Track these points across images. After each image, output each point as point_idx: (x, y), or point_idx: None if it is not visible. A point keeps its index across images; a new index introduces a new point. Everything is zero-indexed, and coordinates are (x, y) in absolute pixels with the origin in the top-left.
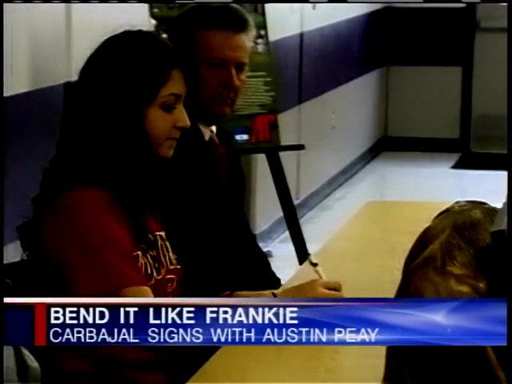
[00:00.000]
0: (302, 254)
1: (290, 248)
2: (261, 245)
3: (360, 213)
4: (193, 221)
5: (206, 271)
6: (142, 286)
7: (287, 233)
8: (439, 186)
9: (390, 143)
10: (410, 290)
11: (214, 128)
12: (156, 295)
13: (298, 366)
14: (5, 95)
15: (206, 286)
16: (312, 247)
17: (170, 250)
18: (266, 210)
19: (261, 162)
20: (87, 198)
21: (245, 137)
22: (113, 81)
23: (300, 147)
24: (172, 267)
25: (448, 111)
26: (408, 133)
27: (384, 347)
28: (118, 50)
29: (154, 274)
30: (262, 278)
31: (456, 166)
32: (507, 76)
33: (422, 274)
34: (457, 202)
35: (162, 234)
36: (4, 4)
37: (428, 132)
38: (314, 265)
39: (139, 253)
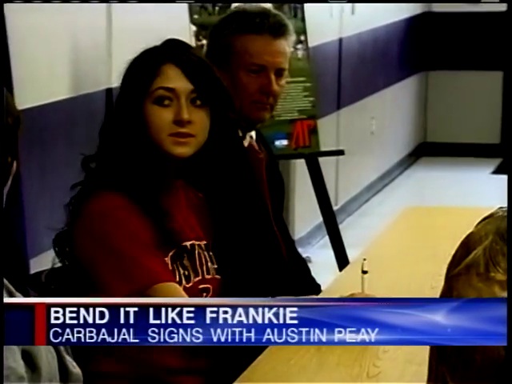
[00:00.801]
0: (342, 260)
1: (329, 254)
2: (300, 250)
3: (399, 218)
4: (232, 227)
5: (246, 278)
6: (170, 282)
7: (326, 238)
8: (480, 192)
9: (430, 149)
10: (453, 297)
11: (253, 133)
12: None
13: (341, 373)
14: (46, 101)
15: (245, 294)
16: (351, 253)
17: (208, 259)
18: (305, 215)
19: (300, 167)
20: (112, 202)
21: (284, 142)
22: (120, 87)
23: (339, 153)
24: (209, 277)
25: (488, 116)
26: (448, 138)
27: (427, 353)
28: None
29: (183, 281)
30: (303, 284)
31: (497, 172)
32: (504, 79)
33: (465, 280)
34: (500, 208)
35: (202, 243)
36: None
37: (468, 137)
38: (364, 272)
39: (167, 259)
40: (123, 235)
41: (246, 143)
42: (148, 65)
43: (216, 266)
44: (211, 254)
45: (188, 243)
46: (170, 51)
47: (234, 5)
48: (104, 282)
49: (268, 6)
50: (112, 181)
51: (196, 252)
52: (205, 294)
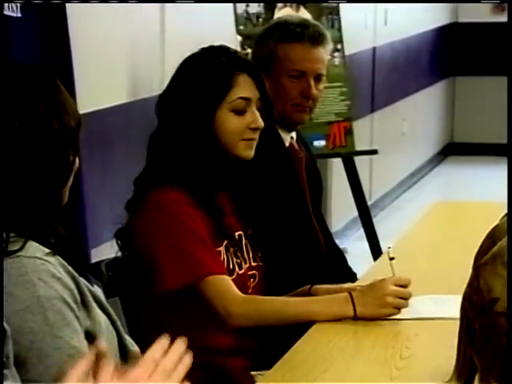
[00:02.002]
0: (376, 251)
1: (364, 245)
2: (337, 242)
3: (429, 213)
4: (276, 220)
5: (288, 267)
6: (223, 275)
7: (361, 231)
8: (502, 188)
9: (456, 148)
10: (480, 284)
11: (294, 134)
12: (238, 289)
13: (376, 355)
14: (107, 106)
15: (287, 281)
16: (385, 245)
17: (253, 248)
18: (341, 210)
19: (337, 165)
20: (171, 196)
21: (322, 142)
22: (186, 91)
23: (373, 152)
24: (254, 264)
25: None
26: (473, 139)
27: (455, 337)
28: (190, 65)
29: (236, 268)
30: (340, 272)
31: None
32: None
33: (491, 268)
34: None
35: (247, 233)
36: (104, 20)
37: (491, 138)
38: (391, 259)
39: (221, 249)
40: (183, 229)
41: (287, 143)
42: (224, 75)
43: (260, 255)
44: (251, 242)
45: (236, 234)
46: (241, 61)
47: (277, 16)
48: (161, 272)
49: (307, 16)
50: (175, 178)
51: (243, 242)
52: (252, 280)
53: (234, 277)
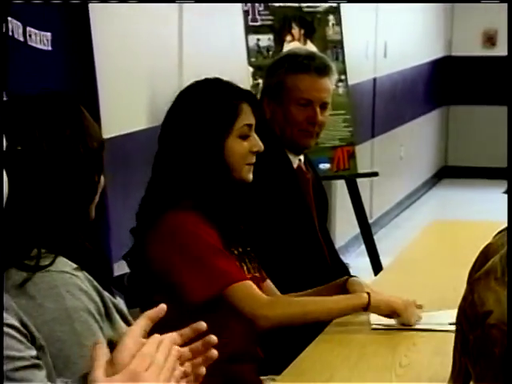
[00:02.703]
0: (377, 266)
1: (365, 260)
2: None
3: (425, 231)
4: (284, 235)
5: (294, 280)
6: (246, 280)
7: (363, 247)
8: (493, 208)
9: (450, 171)
10: (474, 298)
11: (302, 157)
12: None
13: (378, 363)
14: (128, 131)
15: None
16: (385, 260)
17: (252, 261)
18: (344, 227)
19: (340, 187)
20: (184, 218)
21: (327, 165)
22: (195, 120)
23: (374, 174)
24: (257, 275)
25: (498, 144)
26: (466, 162)
27: (451, 346)
28: (193, 96)
29: (247, 273)
30: None
31: (508, 192)
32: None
33: (484, 284)
34: None
35: (245, 249)
36: (124, 52)
37: (483, 162)
38: None
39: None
40: (201, 244)
41: (295, 165)
42: (231, 105)
43: (259, 267)
44: (252, 255)
45: (239, 249)
46: (241, 91)
47: (285, 49)
48: (186, 287)
49: (313, 49)
50: (186, 201)
51: (244, 256)
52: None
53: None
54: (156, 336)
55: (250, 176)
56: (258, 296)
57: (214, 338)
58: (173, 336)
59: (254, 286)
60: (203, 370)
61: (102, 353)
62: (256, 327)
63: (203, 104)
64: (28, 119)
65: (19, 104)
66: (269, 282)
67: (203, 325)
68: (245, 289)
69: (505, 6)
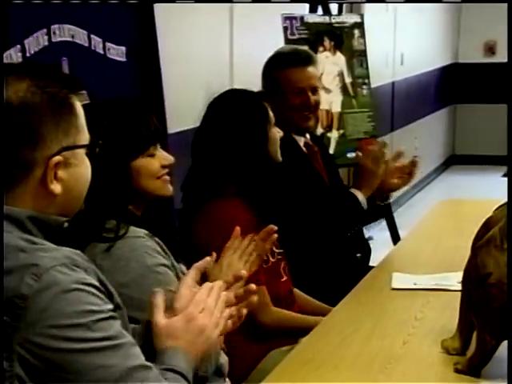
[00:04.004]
0: (395, 238)
1: (386, 234)
2: (364, 232)
3: (436, 208)
4: (301, 197)
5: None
6: (264, 285)
7: (384, 223)
8: (493, 189)
9: (457, 159)
10: (477, 262)
11: (307, 135)
12: (274, 273)
13: (397, 317)
14: (187, 128)
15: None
16: (402, 233)
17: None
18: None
19: None
20: (228, 206)
21: (353, 154)
22: (244, 120)
23: None
24: (277, 251)
25: (497, 135)
26: (470, 151)
27: (457, 303)
28: (235, 102)
29: (270, 257)
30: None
31: (506, 175)
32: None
33: (485, 250)
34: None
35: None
36: (185, 61)
37: (485, 150)
38: None
39: None
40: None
41: (301, 143)
42: (265, 109)
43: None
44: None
45: None
46: (263, 93)
47: (319, 58)
48: None
49: (342, 57)
50: (230, 189)
51: None
52: (282, 263)
53: (269, 265)
54: (207, 284)
55: (280, 157)
56: (268, 302)
57: (253, 286)
58: (220, 283)
59: (267, 293)
60: (245, 311)
61: (161, 300)
62: (258, 329)
63: (246, 106)
64: (109, 120)
65: (102, 107)
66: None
67: (244, 272)
68: (261, 293)
69: (503, 20)
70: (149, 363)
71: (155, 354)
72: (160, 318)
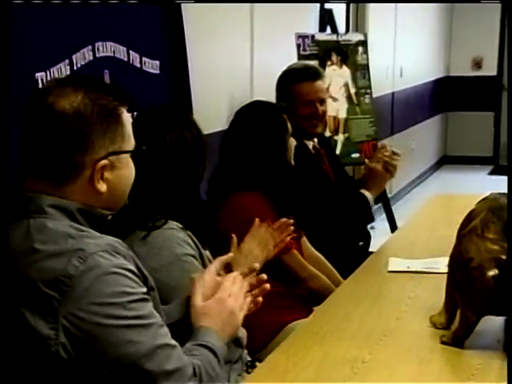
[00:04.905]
0: (393, 227)
1: (385, 224)
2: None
3: (429, 202)
4: (311, 193)
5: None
6: (295, 249)
7: (384, 215)
8: (479, 186)
9: (448, 159)
10: (461, 249)
11: (315, 139)
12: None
13: (391, 296)
14: (212, 131)
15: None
16: (399, 223)
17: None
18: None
19: None
20: (251, 199)
21: (357, 155)
22: (266, 127)
23: None
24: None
25: (485, 138)
26: (460, 153)
27: (444, 284)
28: (258, 111)
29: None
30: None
31: (491, 173)
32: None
33: (468, 238)
34: (491, 193)
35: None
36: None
37: (472, 152)
38: None
39: None
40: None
41: (310, 147)
42: (285, 121)
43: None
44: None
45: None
46: (282, 106)
47: (327, 70)
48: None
49: (347, 71)
50: (254, 185)
51: None
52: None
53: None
54: (232, 273)
55: (293, 161)
56: (304, 262)
57: (264, 276)
58: (239, 274)
59: (299, 254)
60: (260, 299)
61: (199, 284)
62: (304, 282)
63: (269, 116)
64: (158, 124)
65: (149, 114)
66: (304, 239)
67: (256, 265)
68: (297, 255)
69: (489, 39)
70: (174, 342)
71: (191, 330)
72: (197, 300)
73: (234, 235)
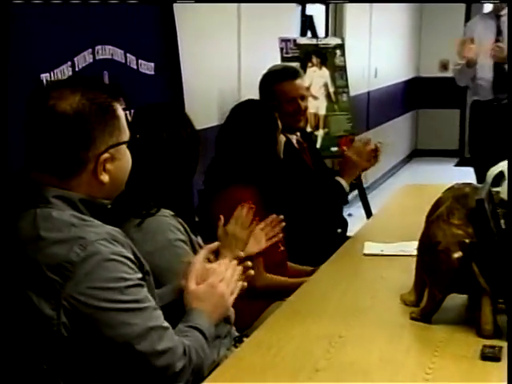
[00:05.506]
0: (368, 214)
1: (361, 211)
2: (345, 209)
3: (401, 191)
4: (294, 190)
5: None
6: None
7: (360, 203)
8: (446, 176)
9: (419, 152)
10: (429, 233)
11: (298, 133)
12: (274, 244)
13: (366, 277)
14: (204, 127)
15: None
16: (374, 210)
17: None
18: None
19: None
20: (244, 193)
21: (336, 148)
22: (259, 125)
23: None
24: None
25: (452, 133)
26: (429, 146)
27: (414, 265)
28: (251, 109)
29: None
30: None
31: (456, 165)
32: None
33: (436, 224)
34: (456, 183)
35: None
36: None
37: (441, 145)
38: None
39: None
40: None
41: (294, 141)
42: (276, 119)
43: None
44: None
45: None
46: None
47: (308, 72)
48: None
49: (327, 72)
50: (242, 177)
51: None
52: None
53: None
54: (225, 260)
55: (282, 155)
56: (262, 270)
57: (249, 263)
58: (232, 260)
59: (262, 264)
60: (246, 284)
61: (193, 270)
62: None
63: (262, 113)
64: (156, 122)
65: (147, 111)
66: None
67: (241, 254)
68: (258, 263)
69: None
70: (166, 324)
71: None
72: (191, 285)
73: (221, 216)
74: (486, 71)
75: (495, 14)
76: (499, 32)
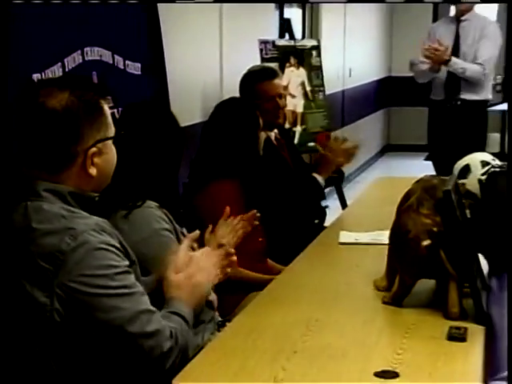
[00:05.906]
0: (344, 205)
1: (337, 202)
2: (323, 202)
3: (374, 184)
4: (273, 184)
5: (283, 218)
6: None
7: (336, 195)
8: (416, 170)
9: (391, 147)
10: (400, 223)
11: (276, 130)
12: (254, 234)
13: (342, 264)
14: (188, 124)
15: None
16: (349, 202)
17: None
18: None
19: None
20: (226, 186)
21: (313, 144)
22: (241, 121)
23: None
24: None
25: (421, 129)
26: (400, 141)
27: (386, 252)
28: (235, 106)
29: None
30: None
31: (426, 159)
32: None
33: (406, 214)
34: (425, 175)
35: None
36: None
37: (411, 141)
38: None
39: None
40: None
41: (272, 137)
42: (258, 117)
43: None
44: None
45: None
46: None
47: (286, 71)
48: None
49: (303, 71)
50: (226, 171)
51: None
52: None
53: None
54: (205, 249)
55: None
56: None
57: (232, 250)
58: (214, 251)
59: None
60: (229, 270)
61: (174, 260)
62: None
63: (244, 110)
64: (143, 119)
65: (135, 109)
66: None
67: (224, 241)
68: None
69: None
70: (153, 308)
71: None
72: (170, 274)
73: (210, 225)
74: (440, 72)
75: (456, 19)
76: (457, 36)
